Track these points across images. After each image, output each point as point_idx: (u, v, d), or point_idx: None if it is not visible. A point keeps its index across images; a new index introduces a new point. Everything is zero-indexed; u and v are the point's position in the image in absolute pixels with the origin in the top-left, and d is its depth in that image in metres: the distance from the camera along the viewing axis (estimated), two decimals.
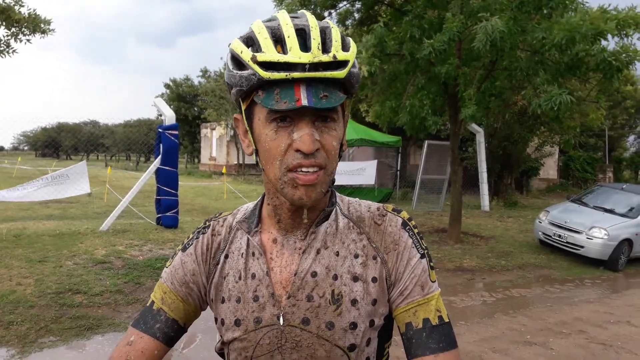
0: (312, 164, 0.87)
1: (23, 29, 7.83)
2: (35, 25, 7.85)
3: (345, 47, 0.89)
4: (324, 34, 0.88)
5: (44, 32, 8.00)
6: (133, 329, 1.00)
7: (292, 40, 0.85)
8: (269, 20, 0.91)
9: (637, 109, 25.91)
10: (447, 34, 7.39)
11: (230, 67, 0.91)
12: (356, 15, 10.30)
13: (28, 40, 8.08)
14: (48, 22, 8.03)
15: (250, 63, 0.85)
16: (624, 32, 7.34)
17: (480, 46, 7.02)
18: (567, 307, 6.63)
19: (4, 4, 7.50)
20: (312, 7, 9.40)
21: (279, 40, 0.87)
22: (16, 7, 7.62)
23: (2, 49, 7.87)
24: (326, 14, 9.85)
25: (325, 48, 0.87)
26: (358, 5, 10.06)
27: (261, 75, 0.84)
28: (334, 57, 0.86)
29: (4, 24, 7.63)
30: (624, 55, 7.24)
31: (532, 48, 7.98)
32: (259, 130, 0.90)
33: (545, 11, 7.69)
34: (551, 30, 7.12)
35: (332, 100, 0.85)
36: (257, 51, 0.86)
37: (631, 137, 30.73)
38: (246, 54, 0.87)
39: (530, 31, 7.42)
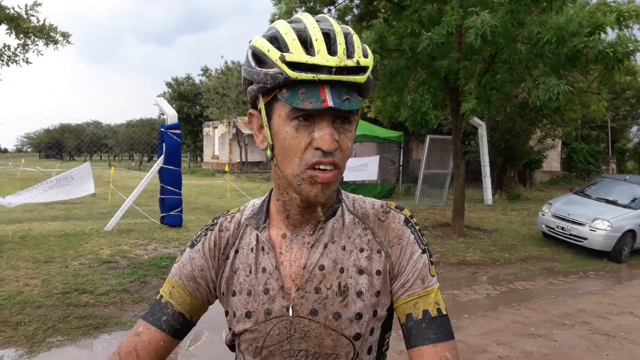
0: (331, 162, 0.91)
1: (34, 39, 7.75)
2: (48, 36, 7.76)
3: (365, 54, 0.93)
4: (347, 39, 0.92)
5: (56, 42, 7.90)
6: (142, 321, 1.05)
7: (320, 44, 0.89)
8: (293, 21, 0.94)
9: (639, 99, 25.78)
10: (445, 27, 7.40)
11: (252, 63, 0.93)
12: (355, 11, 10.29)
13: (39, 52, 7.98)
14: (66, 35, 7.93)
15: (279, 62, 0.88)
16: (624, 23, 7.32)
17: (472, 41, 7.04)
18: (570, 299, 6.65)
19: (14, 13, 7.45)
20: (312, 3, 9.40)
21: (303, 42, 0.90)
22: (26, 16, 7.53)
23: (14, 57, 7.81)
24: (325, 10, 9.85)
25: (349, 53, 0.91)
26: (357, 1, 10.06)
27: (288, 75, 0.87)
28: (358, 62, 0.90)
29: (13, 32, 7.57)
30: (622, 47, 7.22)
31: (530, 41, 7.98)
32: (278, 126, 0.93)
33: (544, 4, 7.68)
34: (545, 25, 7.11)
35: (353, 102, 0.90)
36: (282, 50, 0.90)
37: (634, 128, 30.57)
38: (274, 53, 0.90)
39: (528, 24, 7.42)
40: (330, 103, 0.87)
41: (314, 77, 0.87)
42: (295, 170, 0.92)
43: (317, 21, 0.93)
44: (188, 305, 1.06)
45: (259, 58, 0.93)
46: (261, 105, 0.95)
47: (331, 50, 0.89)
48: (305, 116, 0.90)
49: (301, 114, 0.90)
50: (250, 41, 0.96)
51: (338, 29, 0.92)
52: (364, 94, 0.96)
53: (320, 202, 0.95)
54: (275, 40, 0.92)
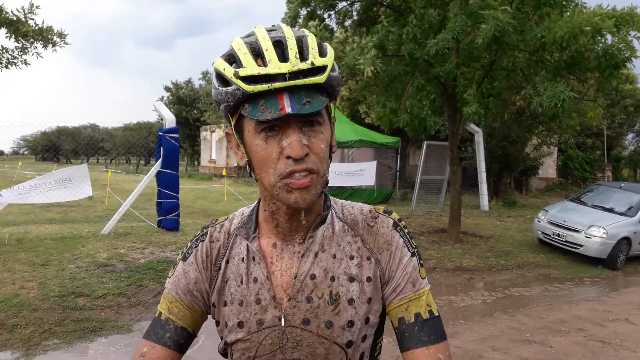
0: (304, 168, 0.90)
1: (33, 42, 7.76)
2: (46, 38, 7.77)
3: (322, 54, 0.93)
4: (300, 42, 0.92)
5: (54, 44, 7.92)
6: (145, 341, 1.05)
7: (270, 53, 0.89)
8: (248, 36, 0.95)
9: (636, 107, 25.92)
10: (450, 32, 7.42)
11: (216, 84, 0.94)
12: (355, 16, 10.35)
13: (39, 54, 8.00)
14: (63, 36, 7.93)
15: (234, 79, 0.89)
16: (622, 30, 7.38)
17: (484, 40, 6.98)
18: (566, 306, 6.68)
19: (13, 17, 7.47)
20: (312, 6, 9.46)
21: (258, 54, 0.90)
22: (25, 20, 7.54)
23: (13, 60, 7.81)
24: (325, 15, 9.90)
25: (303, 56, 0.90)
26: (357, 6, 10.12)
27: (245, 89, 0.88)
28: (312, 63, 0.89)
29: (13, 36, 7.59)
30: (622, 46, 7.28)
31: (531, 48, 8.03)
32: (249, 141, 0.94)
33: (543, 11, 7.73)
34: (551, 29, 7.14)
35: (315, 104, 0.89)
36: (238, 67, 0.90)
37: (630, 135, 30.72)
38: (229, 70, 0.90)
39: (528, 31, 7.47)
40: (288, 109, 0.86)
41: (269, 87, 0.87)
42: (272, 180, 0.92)
43: (270, 30, 0.93)
44: (189, 319, 1.07)
45: (223, 78, 0.93)
46: (232, 124, 0.97)
47: (284, 57, 0.89)
48: (271, 127, 0.90)
49: (266, 125, 0.90)
50: (213, 63, 0.96)
51: (289, 34, 0.92)
52: (332, 93, 0.96)
53: (302, 207, 0.95)
54: (232, 58, 0.92)
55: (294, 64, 0.88)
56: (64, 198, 8.53)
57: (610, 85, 8.54)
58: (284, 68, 0.87)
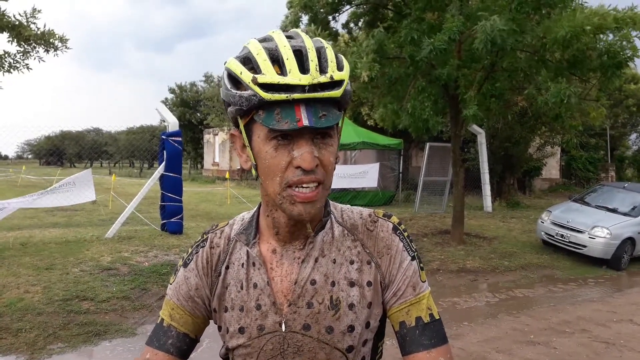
0: (312, 179, 0.91)
1: (35, 46, 7.81)
2: (48, 43, 7.82)
3: (339, 67, 0.92)
4: (319, 54, 0.91)
5: (56, 48, 7.97)
6: (148, 347, 1.06)
7: (291, 63, 0.88)
8: (265, 40, 0.94)
9: (639, 107, 25.83)
10: (447, 33, 7.43)
11: (228, 86, 0.93)
12: (361, 18, 10.38)
13: (41, 58, 8.06)
14: (64, 40, 8.00)
15: (251, 85, 0.88)
16: (623, 30, 7.38)
17: (480, 47, 7.02)
18: (570, 307, 6.66)
19: (15, 21, 7.52)
20: (314, 11, 9.47)
21: (276, 61, 0.89)
22: (27, 24, 7.59)
23: (15, 65, 7.87)
24: (330, 17, 9.91)
25: (322, 69, 0.90)
26: (361, 9, 10.14)
27: (262, 97, 0.87)
28: (331, 77, 0.89)
29: (15, 40, 7.63)
30: (625, 44, 7.28)
31: (532, 48, 8.02)
32: (258, 147, 0.93)
33: (543, 11, 7.74)
34: (552, 28, 7.14)
35: (330, 119, 0.89)
36: (255, 71, 0.89)
37: (633, 135, 30.58)
38: (246, 75, 0.89)
39: (529, 31, 7.47)
40: (305, 122, 0.86)
41: (287, 97, 0.86)
42: (277, 188, 0.92)
43: (289, 37, 0.93)
44: (190, 325, 1.08)
45: (235, 80, 0.92)
46: (241, 126, 0.96)
47: (304, 68, 0.88)
48: (283, 135, 0.89)
49: (279, 133, 0.89)
50: (225, 63, 0.95)
51: (310, 44, 0.91)
52: (342, 107, 0.96)
53: (306, 220, 0.95)
54: (248, 61, 0.91)
55: (314, 76, 0.88)
56: (68, 202, 8.56)
57: (612, 85, 8.51)
58: (304, 80, 0.87)
